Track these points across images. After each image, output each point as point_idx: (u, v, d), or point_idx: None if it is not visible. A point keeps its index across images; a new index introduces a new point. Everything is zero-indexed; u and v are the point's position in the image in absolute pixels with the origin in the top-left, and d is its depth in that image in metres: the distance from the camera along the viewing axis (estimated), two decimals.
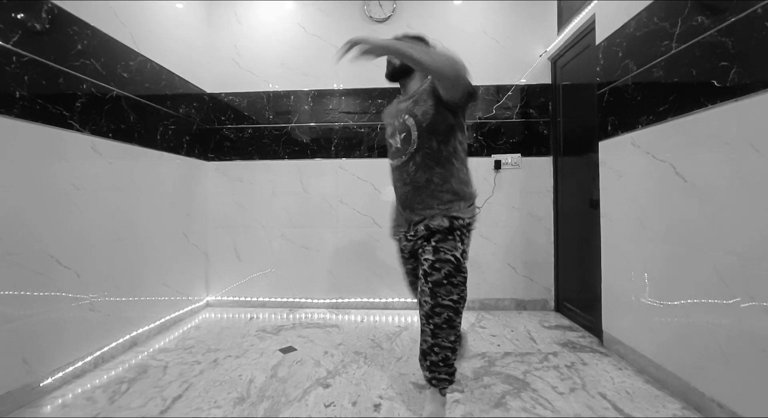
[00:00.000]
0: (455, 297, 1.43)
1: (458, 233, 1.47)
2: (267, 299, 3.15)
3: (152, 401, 1.66)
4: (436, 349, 1.47)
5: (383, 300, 3.07)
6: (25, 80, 1.64)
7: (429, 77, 1.52)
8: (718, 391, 1.44)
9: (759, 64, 1.27)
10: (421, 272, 1.48)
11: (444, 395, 1.52)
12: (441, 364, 1.47)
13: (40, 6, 1.73)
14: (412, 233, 1.55)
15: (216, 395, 1.71)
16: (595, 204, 2.29)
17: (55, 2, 1.79)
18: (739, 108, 1.34)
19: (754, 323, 1.30)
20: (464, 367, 1.97)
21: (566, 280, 2.87)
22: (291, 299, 3.14)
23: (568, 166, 2.81)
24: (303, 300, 3.13)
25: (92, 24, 2.00)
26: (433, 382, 1.49)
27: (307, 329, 2.61)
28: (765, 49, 1.25)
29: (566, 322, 2.70)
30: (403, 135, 1.54)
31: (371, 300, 3.07)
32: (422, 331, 1.51)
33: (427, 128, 1.48)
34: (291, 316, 2.91)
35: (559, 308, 2.95)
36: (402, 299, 3.07)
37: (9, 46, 1.58)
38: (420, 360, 1.55)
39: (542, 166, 3.02)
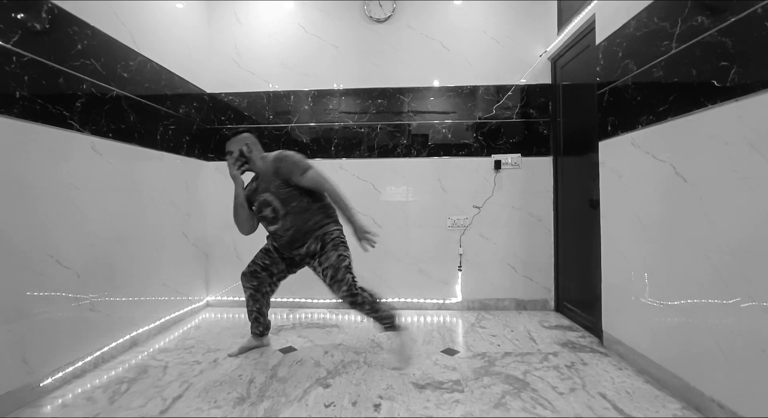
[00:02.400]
0: (345, 288, 1.94)
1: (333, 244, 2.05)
2: None
3: (152, 401, 1.66)
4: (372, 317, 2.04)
5: (384, 299, 3.06)
6: (25, 80, 1.64)
7: (270, 166, 2.03)
8: (718, 391, 1.44)
9: (759, 64, 1.27)
10: (324, 278, 2.02)
11: (395, 329, 2.06)
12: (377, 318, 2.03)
13: (40, 6, 1.73)
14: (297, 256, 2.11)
15: (216, 395, 1.71)
16: (595, 204, 2.29)
17: (55, 2, 1.79)
18: (739, 108, 1.34)
19: (754, 323, 1.29)
20: (464, 367, 1.97)
21: (566, 280, 2.87)
22: (291, 299, 3.14)
23: (568, 167, 2.82)
24: (303, 300, 3.13)
25: (92, 24, 2.00)
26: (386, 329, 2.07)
27: (307, 329, 2.61)
28: (765, 49, 1.25)
29: (566, 322, 2.70)
30: (269, 208, 2.03)
31: None
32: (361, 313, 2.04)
33: (286, 197, 2.01)
34: (291, 316, 2.91)
35: (559, 308, 2.95)
36: (402, 299, 3.07)
37: (9, 46, 1.58)
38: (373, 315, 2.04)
39: (542, 166, 3.02)
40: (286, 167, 1.97)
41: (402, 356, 2.03)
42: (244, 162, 2.05)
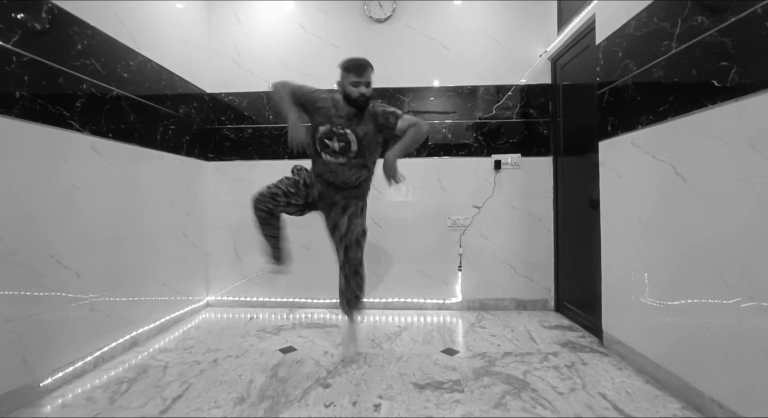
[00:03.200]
0: (360, 255, 2.09)
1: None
2: (267, 299, 3.15)
3: (152, 401, 1.66)
4: (352, 296, 2.16)
5: (383, 300, 3.07)
6: (25, 80, 1.64)
7: (371, 112, 1.99)
8: (718, 391, 1.44)
9: (759, 64, 1.27)
10: (335, 230, 2.10)
11: (355, 317, 2.22)
12: (356, 298, 2.18)
13: (40, 6, 1.73)
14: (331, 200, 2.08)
15: (216, 395, 1.71)
16: (595, 204, 2.29)
17: (55, 2, 1.79)
18: (739, 108, 1.34)
19: (754, 323, 1.29)
20: (464, 367, 1.97)
21: (566, 280, 2.87)
22: (291, 299, 3.14)
23: (568, 167, 2.82)
24: (303, 300, 3.13)
25: (92, 24, 2.00)
26: (351, 309, 2.19)
27: (307, 329, 2.61)
28: (765, 49, 1.25)
29: (566, 322, 2.70)
30: (342, 144, 1.98)
31: (371, 300, 3.06)
32: (340, 278, 2.16)
33: (363, 145, 2.00)
34: (291, 316, 2.91)
35: (559, 308, 2.95)
36: (402, 299, 3.07)
37: (9, 46, 1.58)
38: (346, 302, 2.18)
39: (542, 166, 3.02)
40: (386, 114, 1.95)
41: (353, 342, 2.18)
42: (357, 100, 1.94)
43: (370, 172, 2.11)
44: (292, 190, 2.08)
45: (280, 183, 2.10)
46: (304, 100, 2.02)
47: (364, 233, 2.11)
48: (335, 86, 2.02)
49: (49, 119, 1.75)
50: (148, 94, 2.44)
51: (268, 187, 2.07)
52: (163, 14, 2.62)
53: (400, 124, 1.92)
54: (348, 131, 1.97)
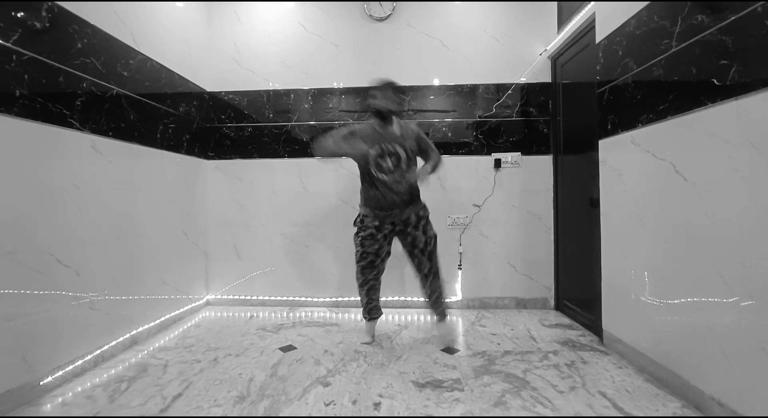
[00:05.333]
0: (438, 264, 2.31)
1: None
2: (267, 298, 3.15)
3: (152, 399, 1.66)
4: (437, 297, 2.34)
5: (383, 299, 3.05)
6: (25, 79, 1.64)
7: (411, 130, 2.27)
8: (718, 389, 1.44)
9: (759, 63, 1.27)
10: (418, 248, 2.24)
11: (445, 317, 2.40)
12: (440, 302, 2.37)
13: (40, 5, 1.73)
14: (403, 221, 2.22)
15: (216, 393, 1.71)
16: (595, 203, 2.29)
17: (55, 1, 1.79)
18: (739, 106, 1.34)
19: (754, 322, 1.30)
20: (464, 365, 1.97)
21: (566, 278, 2.87)
22: (291, 298, 3.14)
23: (568, 165, 2.81)
24: (303, 299, 3.13)
25: (92, 23, 2.00)
26: (441, 314, 2.38)
27: (307, 327, 2.61)
28: (765, 47, 1.25)
29: (566, 320, 2.70)
30: (393, 157, 2.16)
31: None
32: (426, 285, 2.32)
33: (410, 156, 2.21)
34: (291, 314, 2.91)
35: (559, 307, 2.95)
36: (401, 298, 3.07)
37: (9, 44, 1.58)
38: (433, 307, 2.37)
39: (542, 165, 3.02)
40: (426, 141, 2.28)
41: (452, 336, 2.37)
42: (384, 112, 2.17)
43: (415, 188, 2.28)
44: (376, 246, 2.23)
45: (366, 248, 2.24)
46: (345, 136, 2.23)
47: (436, 237, 2.29)
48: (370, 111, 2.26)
49: (49, 118, 1.75)
50: (148, 92, 2.43)
51: (361, 257, 2.25)
52: (164, 13, 2.61)
53: (434, 157, 2.28)
54: (395, 145, 2.17)
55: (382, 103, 2.15)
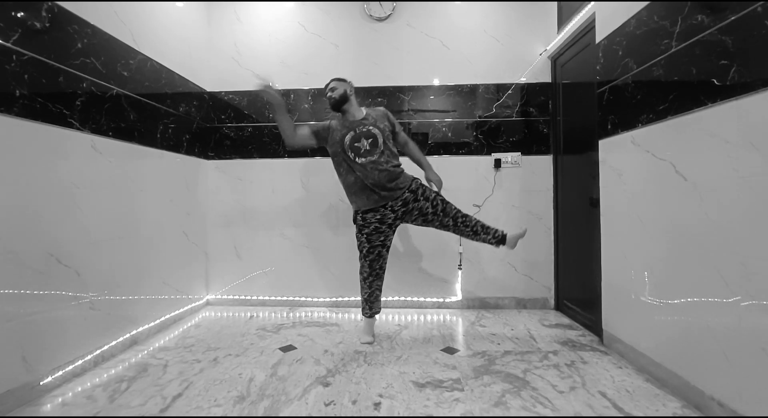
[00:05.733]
0: (456, 207, 2.31)
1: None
2: (267, 298, 3.15)
3: (152, 399, 1.66)
4: (482, 230, 2.32)
5: (383, 299, 3.06)
6: (25, 79, 1.64)
7: (380, 110, 2.36)
8: (718, 389, 1.44)
9: (759, 63, 1.27)
10: (429, 214, 2.25)
11: (503, 241, 2.34)
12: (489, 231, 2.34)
13: (40, 5, 1.73)
14: (400, 203, 2.22)
15: (216, 393, 1.71)
16: (595, 203, 2.29)
17: (55, 1, 1.79)
18: (739, 107, 1.34)
19: (754, 322, 1.30)
20: (464, 365, 1.97)
21: (566, 278, 2.87)
22: (291, 298, 3.14)
23: (568, 165, 2.81)
24: (303, 299, 3.13)
25: (92, 23, 2.00)
26: (500, 236, 2.34)
27: (307, 327, 2.61)
28: (765, 47, 1.25)
29: (566, 320, 2.71)
30: (370, 140, 2.21)
31: None
32: (469, 233, 2.32)
33: (386, 137, 2.26)
34: (291, 314, 2.91)
35: (559, 307, 2.95)
36: (401, 298, 3.07)
37: (9, 44, 1.58)
38: (488, 240, 2.34)
39: (542, 165, 3.02)
40: (393, 120, 2.35)
41: (518, 235, 2.36)
42: (342, 100, 2.25)
43: (399, 160, 2.31)
44: (382, 238, 2.27)
45: (372, 240, 2.26)
46: (320, 129, 2.33)
47: (438, 193, 2.32)
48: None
49: (49, 118, 1.75)
50: (148, 92, 2.43)
51: (368, 250, 2.28)
52: (164, 13, 2.61)
53: (400, 137, 2.40)
54: (370, 127, 2.23)
55: (331, 93, 2.26)
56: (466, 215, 2.29)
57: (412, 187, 2.24)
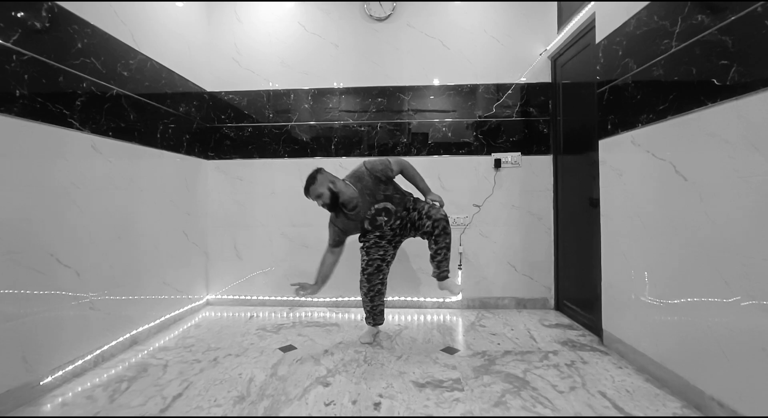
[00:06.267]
0: (442, 214, 2.17)
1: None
2: (267, 298, 3.15)
3: (152, 399, 1.66)
4: (442, 256, 2.19)
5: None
6: (25, 79, 1.64)
7: (360, 173, 2.18)
8: (718, 389, 1.44)
9: (759, 63, 1.27)
10: (416, 221, 2.21)
11: (447, 277, 2.23)
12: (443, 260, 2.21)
13: (40, 5, 1.73)
14: (398, 223, 2.22)
15: (216, 393, 1.71)
16: (595, 203, 2.29)
17: (55, 1, 1.79)
18: (740, 107, 1.34)
19: (754, 322, 1.30)
20: (464, 365, 1.97)
21: (566, 278, 2.87)
22: (291, 298, 3.14)
23: (568, 165, 2.81)
24: (303, 299, 3.13)
25: (92, 23, 2.00)
26: (444, 274, 2.22)
27: (307, 327, 2.61)
28: (765, 47, 1.25)
29: (566, 320, 2.70)
30: (383, 214, 2.16)
31: None
32: (436, 255, 2.19)
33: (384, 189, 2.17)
34: (291, 314, 2.91)
35: (559, 307, 2.95)
36: (401, 298, 3.07)
37: (9, 44, 1.58)
38: (434, 266, 2.22)
39: (542, 165, 3.02)
40: (380, 170, 2.15)
41: (455, 288, 2.23)
42: (334, 198, 2.09)
43: (400, 201, 2.22)
44: (381, 252, 2.28)
45: (371, 255, 2.28)
46: (340, 236, 2.24)
47: (433, 207, 2.19)
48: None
49: (49, 118, 1.75)
50: (148, 92, 2.43)
51: (367, 264, 2.29)
52: (164, 13, 2.61)
53: (395, 168, 2.19)
54: (381, 204, 2.16)
55: (321, 200, 2.09)
56: (445, 234, 2.16)
57: (408, 206, 2.24)
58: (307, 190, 2.11)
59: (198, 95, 3.03)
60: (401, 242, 2.36)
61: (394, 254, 2.36)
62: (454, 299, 3.04)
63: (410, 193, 2.31)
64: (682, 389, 1.61)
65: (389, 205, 2.17)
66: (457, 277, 3.04)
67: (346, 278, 3.08)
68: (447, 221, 2.15)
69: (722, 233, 1.41)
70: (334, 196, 2.08)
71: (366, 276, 2.31)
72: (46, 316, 1.73)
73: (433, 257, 2.20)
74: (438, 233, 2.14)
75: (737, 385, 1.36)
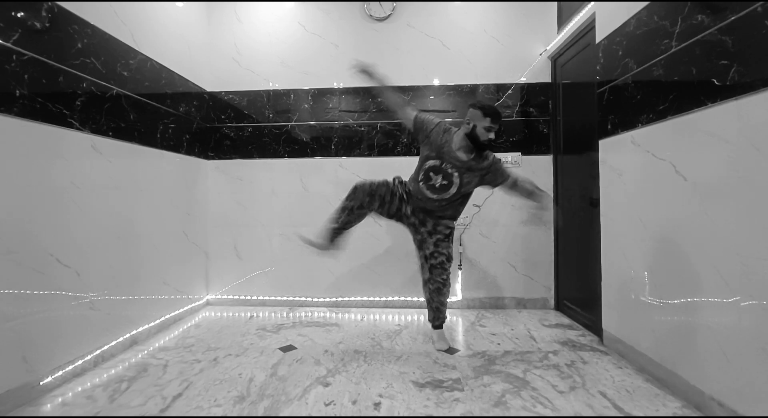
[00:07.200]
0: (444, 276, 2.19)
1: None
2: (267, 298, 3.15)
3: (152, 399, 1.66)
4: (438, 302, 2.22)
5: (383, 299, 3.07)
6: (25, 79, 1.64)
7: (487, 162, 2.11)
8: (718, 389, 1.44)
9: (759, 63, 1.27)
10: (423, 256, 2.23)
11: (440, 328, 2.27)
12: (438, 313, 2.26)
13: (40, 5, 1.72)
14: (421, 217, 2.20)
15: (216, 393, 1.71)
16: (595, 203, 2.29)
17: (55, 1, 1.79)
18: (740, 107, 1.34)
19: (754, 322, 1.30)
20: (464, 365, 1.97)
21: (566, 278, 2.87)
22: (291, 298, 3.14)
23: (568, 165, 2.81)
24: (303, 299, 3.13)
25: (92, 23, 2.00)
26: (440, 322, 2.27)
27: (307, 327, 2.61)
28: (765, 47, 1.25)
29: (566, 320, 2.70)
30: (445, 180, 2.09)
31: (371, 299, 3.07)
32: (430, 288, 2.21)
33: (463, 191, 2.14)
34: (291, 314, 2.91)
35: (559, 307, 2.95)
36: (401, 298, 3.07)
37: (9, 44, 1.58)
38: (432, 310, 2.26)
39: (542, 165, 3.02)
40: (494, 176, 2.12)
41: (444, 342, 2.22)
42: (474, 137, 2.01)
43: (457, 211, 2.23)
44: (387, 198, 2.18)
45: (380, 188, 2.18)
46: (424, 127, 2.15)
47: (449, 259, 2.20)
48: (465, 122, 2.05)
49: (49, 118, 1.75)
50: (148, 92, 2.43)
51: (371, 185, 2.17)
52: (164, 13, 2.61)
53: (509, 181, 2.14)
54: (456, 174, 2.07)
55: (493, 137, 2.01)
56: (443, 281, 2.18)
57: (441, 224, 2.20)
58: (498, 114, 2.02)
59: (198, 95, 3.03)
60: (404, 216, 2.24)
61: (385, 216, 2.25)
62: (454, 299, 3.04)
63: (454, 226, 2.25)
64: (682, 389, 1.61)
65: (455, 181, 2.07)
66: (458, 277, 3.04)
67: (346, 278, 3.09)
68: (444, 283, 2.18)
69: (722, 232, 1.41)
70: (487, 142, 2.01)
71: (356, 186, 2.19)
72: (46, 316, 1.73)
73: (432, 298, 2.23)
74: (432, 290, 2.20)
75: (737, 385, 1.36)
